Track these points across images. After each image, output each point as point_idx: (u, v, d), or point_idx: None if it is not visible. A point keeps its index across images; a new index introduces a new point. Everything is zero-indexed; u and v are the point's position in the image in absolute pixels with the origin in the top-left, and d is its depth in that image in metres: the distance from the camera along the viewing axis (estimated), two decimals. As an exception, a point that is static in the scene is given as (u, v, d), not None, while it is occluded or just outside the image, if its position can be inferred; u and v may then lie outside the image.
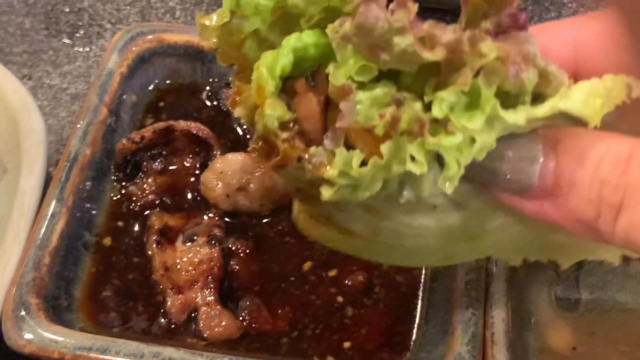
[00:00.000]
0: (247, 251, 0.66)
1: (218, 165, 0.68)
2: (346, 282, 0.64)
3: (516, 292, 0.60)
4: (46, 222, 0.63)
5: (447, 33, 0.36)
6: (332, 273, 0.65)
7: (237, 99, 0.43)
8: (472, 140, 0.37)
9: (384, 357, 0.61)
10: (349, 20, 0.37)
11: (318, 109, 0.40)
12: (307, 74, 0.41)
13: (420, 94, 0.38)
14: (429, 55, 0.36)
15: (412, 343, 0.61)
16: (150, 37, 0.75)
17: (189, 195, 0.69)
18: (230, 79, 0.44)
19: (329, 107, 0.40)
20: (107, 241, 0.67)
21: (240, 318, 0.62)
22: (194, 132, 0.70)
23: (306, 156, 0.39)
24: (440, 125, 0.37)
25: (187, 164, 0.71)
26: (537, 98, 0.38)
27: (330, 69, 0.39)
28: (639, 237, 0.36)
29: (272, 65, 0.40)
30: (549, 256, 0.49)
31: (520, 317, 0.60)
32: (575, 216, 0.38)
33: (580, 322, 0.62)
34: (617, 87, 0.38)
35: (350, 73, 0.38)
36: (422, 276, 0.64)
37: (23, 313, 0.58)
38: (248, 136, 0.73)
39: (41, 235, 0.62)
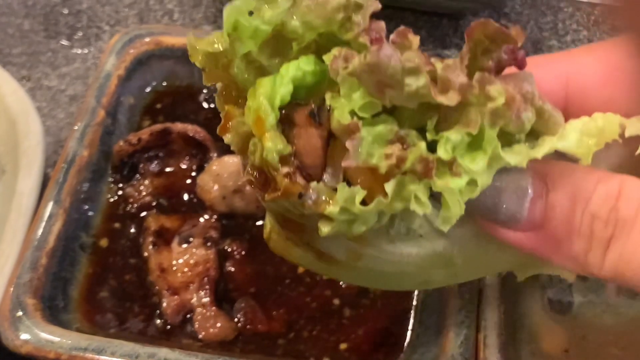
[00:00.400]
0: (243, 253, 0.66)
1: (214, 167, 0.68)
2: (341, 283, 0.65)
3: (509, 294, 0.60)
4: (43, 223, 0.63)
5: (460, 77, 0.36)
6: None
7: (228, 125, 0.41)
8: (474, 182, 0.37)
9: (379, 358, 0.61)
10: (358, 56, 0.36)
11: (320, 145, 0.39)
12: (313, 109, 0.39)
13: (418, 127, 0.38)
14: (444, 100, 0.36)
15: (405, 345, 0.61)
16: (147, 39, 0.75)
17: (186, 197, 0.70)
18: (215, 98, 0.43)
19: (329, 141, 0.39)
20: (104, 242, 0.67)
21: (236, 320, 0.62)
22: (191, 134, 0.71)
23: (309, 192, 0.38)
24: (444, 166, 0.37)
25: (184, 166, 0.71)
26: (530, 133, 0.39)
27: (329, 99, 0.38)
28: (627, 270, 0.37)
29: (271, 95, 0.38)
30: (505, 270, 0.50)
31: (513, 320, 0.60)
32: (564, 249, 0.39)
33: (572, 325, 0.62)
34: (608, 125, 0.38)
35: (355, 108, 0.37)
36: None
37: (20, 313, 0.59)
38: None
39: (38, 236, 0.63)
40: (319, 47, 0.40)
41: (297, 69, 0.39)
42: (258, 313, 0.63)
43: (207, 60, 0.41)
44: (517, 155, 0.37)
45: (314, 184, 0.38)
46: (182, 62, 0.76)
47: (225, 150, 0.71)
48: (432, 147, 0.37)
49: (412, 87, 0.36)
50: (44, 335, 0.58)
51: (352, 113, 0.37)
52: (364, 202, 0.38)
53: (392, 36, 0.37)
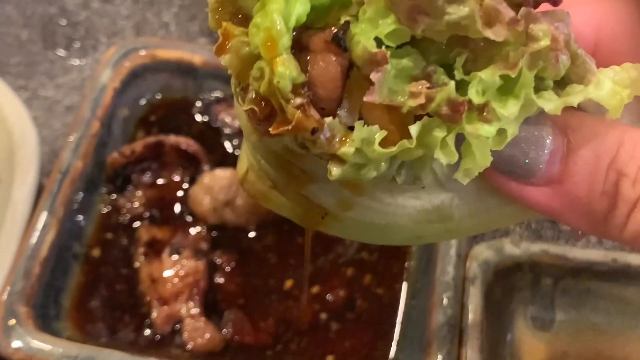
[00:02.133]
0: (232, 265, 0.67)
1: (206, 180, 0.70)
2: (327, 297, 0.66)
3: (492, 310, 0.61)
4: (37, 233, 0.64)
5: (508, 10, 0.32)
6: (314, 289, 0.66)
7: (226, 44, 0.35)
8: (503, 131, 0.33)
9: (364, 371, 0.62)
10: None
11: (339, 75, 0.34)
12: (337, 33, 0.34)
13: (442, 62, 0.34)
14: (490, 35, 0.32)
15: (390, 358, 0.62)
16: (143, 52, 0.76)
17: (177, 209, 0.71)
18: (208, 12, 0.36)
19: (347, 71, 0.34)
20: (96, 252, 0.68)
21: (224, 331, 0.63)
22: (183, 147, 0.72)
23: (324, 128, 0.33)
24: (472, 110, 0.33)
25: (176, 178, 0.72)
26: (558, 80, 0.35)
27: (348, 19, 0.34)
28: None
29: (285, 13, 0.33)
30: (502, 227, 0.46)
31: (495, 336, 0.61)
32: (582, 208, 0.36)
33: (553, 342, 0.63)
34: None
35: (381, 35, 0.33)
36: (402, 292, 0.66)
37: (12, 321, 0.60)
38: (236, 152, 0.74)
39: (32, 245, 0.64)
40: None
41: None
42: (246, 324, 0.64)
43: None
44: (550, 102, 0.34)
45: (329, 119, 0.33)
46: (176, 75, 0.77)
47: (217, 163, 0.72)
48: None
49: (454, 17, 0.32)
50: (36, 343, 0.58)
51: (377, 41, 0.33)
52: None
53: None
